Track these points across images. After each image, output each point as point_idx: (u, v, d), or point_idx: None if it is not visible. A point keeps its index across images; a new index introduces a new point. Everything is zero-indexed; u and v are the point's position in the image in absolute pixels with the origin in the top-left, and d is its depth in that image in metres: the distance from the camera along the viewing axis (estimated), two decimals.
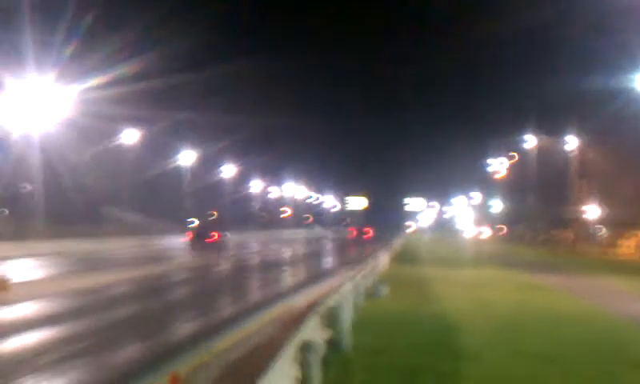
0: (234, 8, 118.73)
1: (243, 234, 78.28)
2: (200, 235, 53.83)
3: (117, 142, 65.02)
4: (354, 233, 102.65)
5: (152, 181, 73.13)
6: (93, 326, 16.02)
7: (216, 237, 54.09)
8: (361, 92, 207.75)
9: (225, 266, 39.25)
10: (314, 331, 10.24)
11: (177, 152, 79.55)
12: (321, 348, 9.90)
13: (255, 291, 26.45)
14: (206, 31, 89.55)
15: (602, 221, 69.30)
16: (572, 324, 15.92)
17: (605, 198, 64.56)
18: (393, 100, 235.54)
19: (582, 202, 69.47)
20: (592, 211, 68.60)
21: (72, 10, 42.54)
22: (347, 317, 13.03)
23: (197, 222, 64.82)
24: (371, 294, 20.19)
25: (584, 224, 71.26)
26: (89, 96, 47.96)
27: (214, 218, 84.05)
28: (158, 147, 73.52)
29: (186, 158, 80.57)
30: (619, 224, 63.46)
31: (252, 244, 64.54)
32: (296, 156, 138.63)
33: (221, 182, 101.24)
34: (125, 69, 49.74)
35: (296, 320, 10.91)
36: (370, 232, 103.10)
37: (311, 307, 12.14)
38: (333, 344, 11.50)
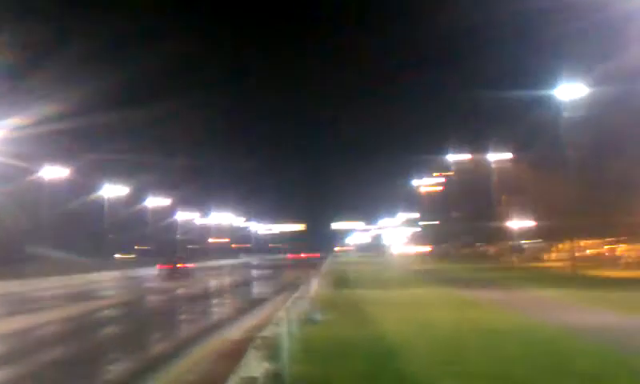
0: (159, 47, 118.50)
1: None
2: (174, 266, 62.22)
3: (37, 180, 63.57)
4: (291, 256, 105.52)
5: (76, 216, 72.42)
6: (16, 372, 15.15)
7: (185, 266, 63.75)
8: (295, 122, 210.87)
9: (149, 300, 38.50)
10: (254, 365, 9.82)
11: (101, 187, 77.98)
12: (263, 382, 9.53)
13: (187, 324, 25.73)
14: (132, 70, 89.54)
15: (528, 233, 70.76)
16: (513, 339, 15.79)
17: (530, 210, 65.89)
18: (325, 126, 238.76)
19: (507, 215, 70.72)
20: (517, 224, 69.92)
21: None
22: (286, 347, 12.63)
23: (165, 256, 71.42)
24: (308, 320, 19.78)
25: (509, 237, 72.57)
26: (10, 136, 46.88)
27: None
28: (82, 183, 72.87)
29: (110, 191, 78.88)
30: (546, 235, 64.90)
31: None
32: (229, 186, 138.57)
33: (146, 214, 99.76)
34: (47, 108, 48.81)
35: (232, 353, 10.51)
36: (305, 254, 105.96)
37: (247, 338, 11.75)
38: (273, 376, 11.10)
